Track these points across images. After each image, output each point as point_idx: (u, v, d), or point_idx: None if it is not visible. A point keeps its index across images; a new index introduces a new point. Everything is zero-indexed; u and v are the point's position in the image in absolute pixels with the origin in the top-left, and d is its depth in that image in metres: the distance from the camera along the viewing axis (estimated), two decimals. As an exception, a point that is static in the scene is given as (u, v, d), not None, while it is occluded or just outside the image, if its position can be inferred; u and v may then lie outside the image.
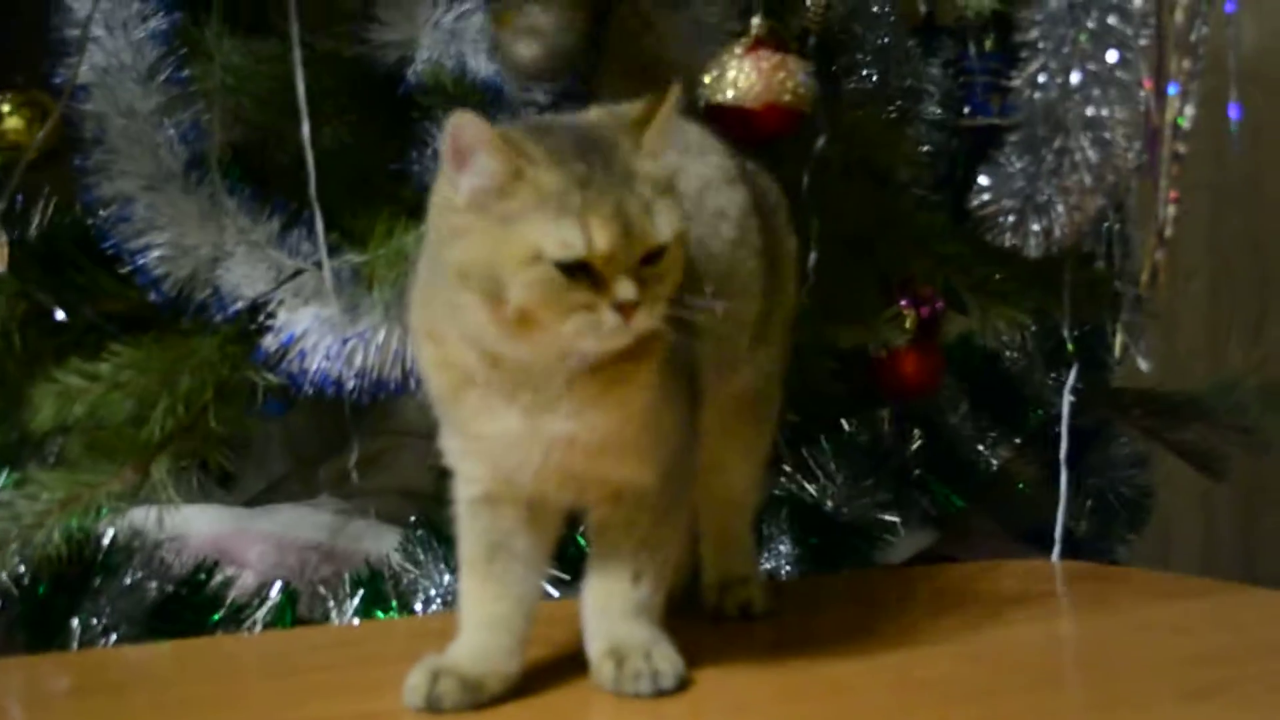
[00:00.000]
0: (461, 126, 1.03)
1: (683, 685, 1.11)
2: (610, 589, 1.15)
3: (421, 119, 1.58)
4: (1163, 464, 2.39)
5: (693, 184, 1.22)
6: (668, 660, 1.12)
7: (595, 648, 1.14)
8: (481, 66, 1.58)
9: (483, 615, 1.14)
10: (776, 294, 1.33)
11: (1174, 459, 2.30)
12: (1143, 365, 1.50)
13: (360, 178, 1.64)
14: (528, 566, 1.16)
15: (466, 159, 1.04)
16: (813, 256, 1.35)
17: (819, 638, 1.28)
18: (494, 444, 1.12)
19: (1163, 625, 1.31)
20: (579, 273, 1.02)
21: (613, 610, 1.14)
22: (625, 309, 1.03)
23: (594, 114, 1.17)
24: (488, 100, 1.57)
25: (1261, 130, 3.36)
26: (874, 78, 1.90)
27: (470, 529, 1.17)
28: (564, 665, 1.16)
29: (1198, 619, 1.32)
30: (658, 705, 1.09)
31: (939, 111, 1.85)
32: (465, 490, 1.17)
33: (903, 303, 1.85)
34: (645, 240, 1.04)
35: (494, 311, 1.03)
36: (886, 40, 1.91)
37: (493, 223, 1.04)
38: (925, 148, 1.89)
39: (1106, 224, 1.66)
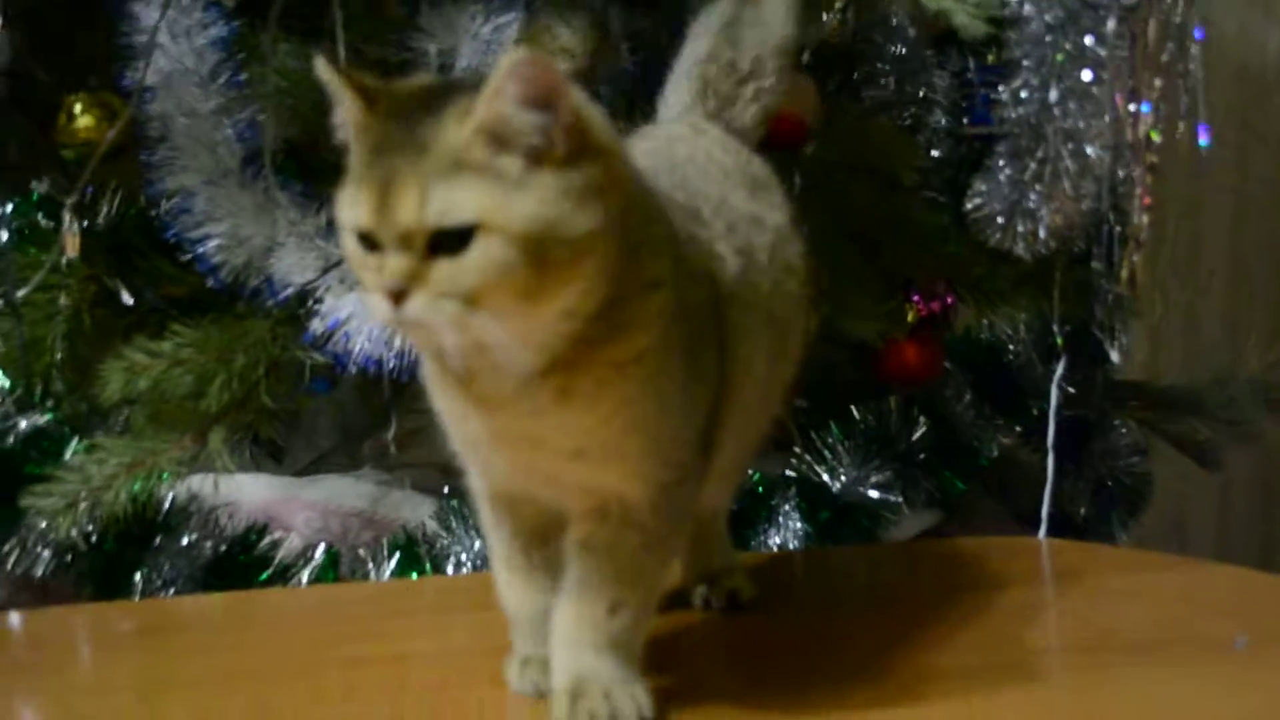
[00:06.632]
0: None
1: None
2: (582, 616, 1.04)
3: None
4: (1179, 462, 2.48)
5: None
6: (630, 701, 1.02)
7: (557, 680, 1.05)
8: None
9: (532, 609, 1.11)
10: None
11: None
12: (1113, 356, 1.61)
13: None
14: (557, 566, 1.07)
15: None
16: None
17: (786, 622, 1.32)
18: (463, 438, 1.05)
19: (1122, 592, 1.41)
20: (374, 247, 0.92)
21: (582, 641, 1.04)
22: (394, 294, 0.90)
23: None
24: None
25: (1284, 138, 3.45)
26: (890, 86, 2.01)
27: (494, 529, 1.12)
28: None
29: (1157, 588, 1.42)
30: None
31: (947, 120, 1.95)
32: (475, 483, 1.12)
33: (915, 299, 1.98)
34: (397, 219, 0.89)
35: None
36: (903, 51, 2.00)
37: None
38: (935, 153, 2.00)
39: (1107, 228, 1.77)
